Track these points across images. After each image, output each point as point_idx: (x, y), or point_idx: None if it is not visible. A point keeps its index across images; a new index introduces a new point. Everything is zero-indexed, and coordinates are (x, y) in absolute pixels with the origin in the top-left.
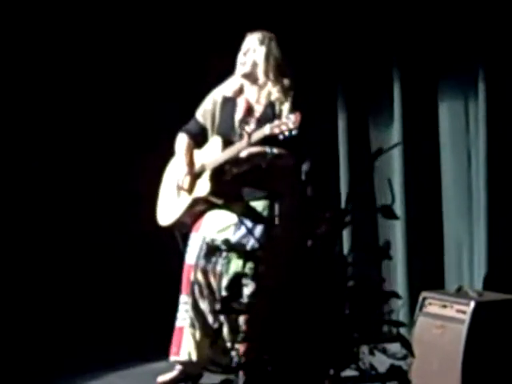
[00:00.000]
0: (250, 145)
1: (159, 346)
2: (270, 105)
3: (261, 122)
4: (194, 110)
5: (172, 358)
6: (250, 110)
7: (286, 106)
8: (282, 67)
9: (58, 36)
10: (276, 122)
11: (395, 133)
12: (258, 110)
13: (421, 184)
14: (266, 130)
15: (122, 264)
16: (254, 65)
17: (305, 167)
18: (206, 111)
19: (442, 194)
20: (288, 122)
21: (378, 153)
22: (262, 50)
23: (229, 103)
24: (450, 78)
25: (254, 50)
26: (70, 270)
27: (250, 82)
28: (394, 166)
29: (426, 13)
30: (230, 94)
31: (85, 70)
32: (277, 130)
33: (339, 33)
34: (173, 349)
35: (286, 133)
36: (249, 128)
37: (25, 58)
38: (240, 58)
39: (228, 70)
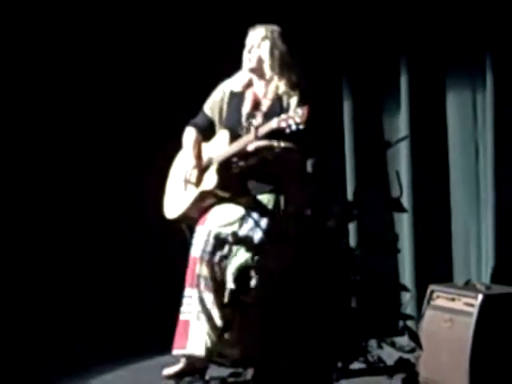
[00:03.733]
0: (258, 138)
1: (165, 339)
2: (278, 99)
3: (268, 116)
4: (201, 103)
5: (177, 351)
6: (257, 104)
7: (294, 100)
8: (287, 60)
9: (68, 39)
10: (283, 116)
11: (402, 123)
12: (265, 104)
13: (428, 176)
14: (273, 123)
15: (128, 259)
16: (260, 60)
17: (311, 160)
18: (213, 104)
19: (450, 186)
20: (295, 116)
21: (385, 146)
22: (266, 44)
23: (236, 97)
24: (458, 67)
25: (258, 45)
26: (77, 265)
27: (258, 77)
28: (401, 157)
29: (433, 2)
30: (238, 88)
31: (93, 67)
32: (284, 124)
33: (345, 22)
34: (177, 342)
35: (293, 127)
36: (256, 122)
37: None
38: (245, 54)
39: (236, 65)
